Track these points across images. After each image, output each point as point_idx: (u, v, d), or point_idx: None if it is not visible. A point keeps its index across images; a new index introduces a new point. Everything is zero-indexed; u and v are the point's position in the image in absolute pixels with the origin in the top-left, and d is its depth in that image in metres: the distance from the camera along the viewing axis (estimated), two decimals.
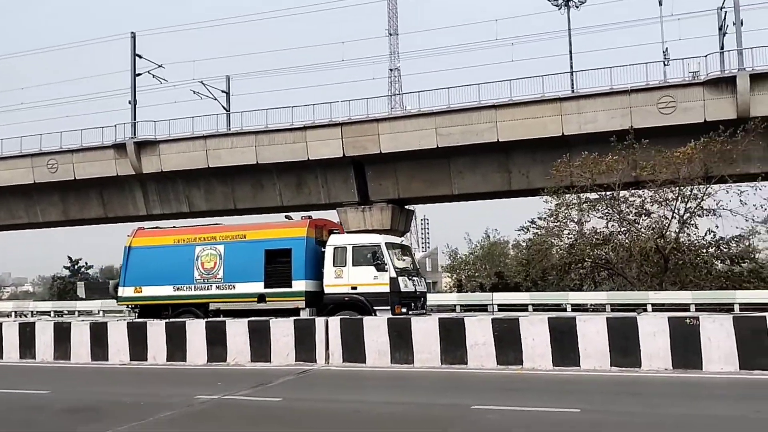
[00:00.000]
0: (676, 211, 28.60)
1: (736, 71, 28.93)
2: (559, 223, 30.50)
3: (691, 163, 27.49)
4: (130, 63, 40.60)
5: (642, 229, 29.20)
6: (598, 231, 29.77)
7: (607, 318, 12.97)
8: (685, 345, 11.99)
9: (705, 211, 28.72)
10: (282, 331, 14.57)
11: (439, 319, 13.91)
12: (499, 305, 28.63)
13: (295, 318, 14.94)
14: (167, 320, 16.39)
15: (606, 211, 29.74)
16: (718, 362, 11.08)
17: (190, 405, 10.09)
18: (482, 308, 29.09)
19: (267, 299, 18.40)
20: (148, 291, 19.92)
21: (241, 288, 18.94)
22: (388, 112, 36.91)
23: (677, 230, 28.91)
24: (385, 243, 18.19)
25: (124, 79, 43.96)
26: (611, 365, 12.32)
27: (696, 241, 29.65)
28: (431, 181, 34.79)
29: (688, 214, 28.71)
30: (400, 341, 13.67)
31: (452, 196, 35.67)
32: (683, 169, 27.55)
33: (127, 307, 20.51)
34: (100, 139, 39.75)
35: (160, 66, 41.33)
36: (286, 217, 21.05)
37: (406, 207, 37.63)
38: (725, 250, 29.78)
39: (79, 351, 16.19)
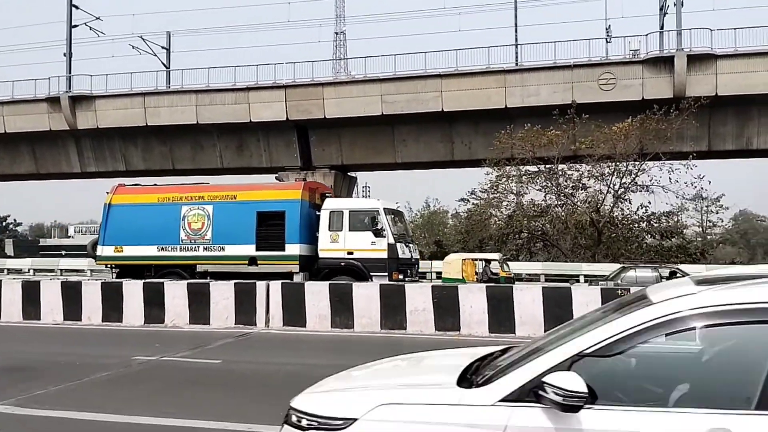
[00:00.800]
0: (611, 186, 29.34)
1: (674, 51, 29.73)
2: (498, 194, 31.01)
3: (628, 139, 28.08)
4: (66, 13, 39.28)
5: (578, 203, 29.88)
6: (536, 203, 30.33)
7: (543, 288, 13.36)
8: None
9: (638, 187, 29.50)
10: (222, 294, 14.45)
11: (381, 285, 14.07)
12: (437, 273, 28.70)
13: (235, 281, 14.96)
14: (104, 281, 16.11)
15: (544, 183, 30.30)
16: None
17: (128, 366, 9.98)
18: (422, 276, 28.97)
19: (259, 262, 18.04)
20: (130, 251, 19.35)
21: (231, 250, 18.56)
22: (333, 77, 36.56)
23: (612, 204, 29.73)
24: (384, 208, 18.00)
25: (59, 30, 42.84)
26: (545, 332, 12.16)
27: (629, 216, 30.62)
28: (375, 149, 34.64)
29: (623, 189, 29.50)
30: (341, 306, 13.72)
31: (395, 164, 35.55)
32: (620, 145, 28.11)
33: (106, 266, 19.98)
34: (33, 91, 38.26)
35: (97, 18, 39.95)
36: (277, 178, 21.10)
37: (349, 173, 37.59)
38: (656, 225, 30.89)
39: (10, 310, 15.75)
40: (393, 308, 13.44)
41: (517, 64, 31.77)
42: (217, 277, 16.89)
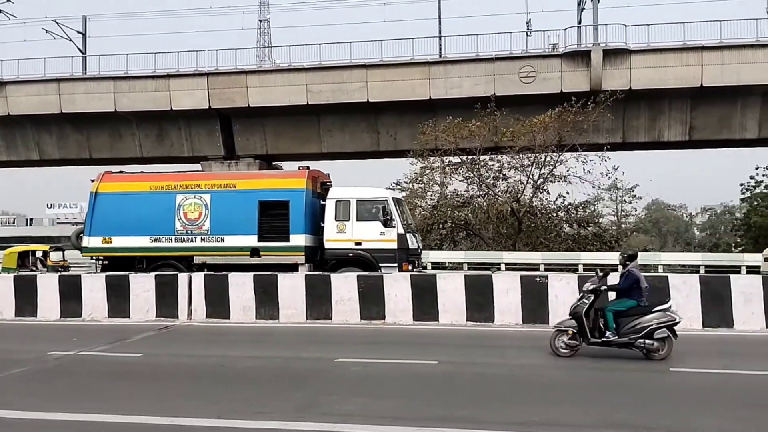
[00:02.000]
0: (531, 176, 29.84)
1: (591, 46, 30.58)
2: (423, 185, 31.16)
3: (547, 131, 28.65)
4: None
5: (499, 193, 30.37)
6: (459, 194, 30.72)
7: (465, 276, 13.62)
8: (535, 301, 12.74)
9: (557, 178, 30.11)
10: (142, 287, 14.17)
11: (306, 275, 14.09)
12: None
13: (156, 273, 14.73)
14: (16, 274, 15.61)
15: (467, 174, 30.59)
16: (564, 316, 11.32)
17: (44, 361, 9.67)
18: None
19: (262, 253, 17.36)
20: (120, 242, 18.34)
21: (231, 241, 17.80)
22: (257, 65, 36.27)
23: (531, 195, 30.24)
24: (392, 198, 17.51)
25: None
26: (467, 320, 13.00)
27: (547, 206, 31.27)
28: (300, 138, 34.38)
29: (542, 180, 30.06)
30: (266, 297, 13.67)
31: (321, 155, 35.22)
32: (539, 136, 28.64)
33: (92, 258, 18.83)
34: None
35: (8, 0, 38.83)
36: (273, 166, 20.51)
37: (274, 163, 36.77)
38: (573, 214, 31.65)
39: None
40: (318, 298, 13.47)
41: (440, 55, 32.07)
42: (217, 269, 16.56)
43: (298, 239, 17.42)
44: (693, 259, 31.40)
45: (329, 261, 17.29)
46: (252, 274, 14.28)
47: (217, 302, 13.80)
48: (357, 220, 17.44)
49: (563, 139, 28.83)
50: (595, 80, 29.84)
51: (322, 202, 17.81)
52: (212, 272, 15.34)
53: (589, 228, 32.00)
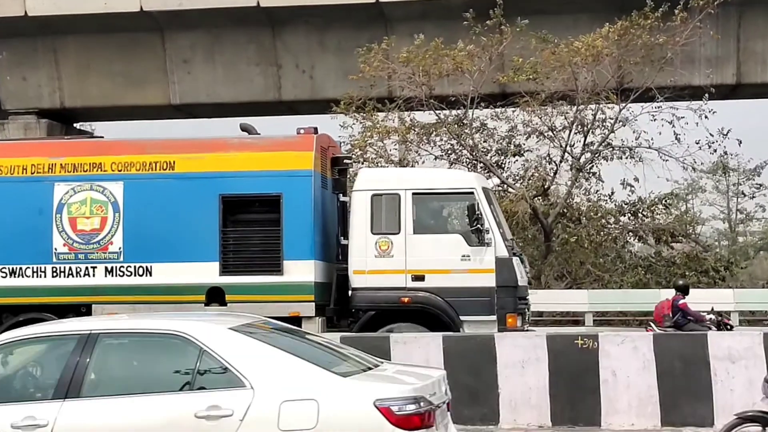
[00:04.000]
0: (568, 148, 26.45)
1: None
2: (366, 163, 27.07)
3: (599, 62, 24.78)
4: None
5: (509, 180, 27.67)
6: None
7: (444, 338, 12.27)
8: (575, 384, 11.39)
9: (616, 151, 26.42)
10: None
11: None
12: None
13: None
14: None
15: (449, 144, 27.08)
16: (629, 410, 10.74)
17: None
18: None
19: (228, 298, 14.69)
20: None
21: (166, 273, 14.94)
22: None
23: (570, 183, 27.12)
24: (482, 188, 15.42)
25: None
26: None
27: (599, 203, 27.86)
28: (128, 77, 30.19)
29: (589, 155, 26.54)
30: None
31: (169, 108, 31.11)
32: (583, 73, 24.96)
33: None
34: None
35: None
36: (244, 128, 16.70)
37: (77, 125, 33.21)
38: (648, 218, 27.87)
39: None
40: None
41: None
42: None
43: (302, 269, 14.80)
44: None
45: (360, 311, 14.90)
46: None
47: None
48: (415, 232, 14.80)
49: (628, 77, 25.63)
50: None
51: (342, 197, 15.86)
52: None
53: (678, 242, 29.05)
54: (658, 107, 25.80)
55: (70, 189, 15.58)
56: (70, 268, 15.49)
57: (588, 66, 25.39)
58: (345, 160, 16.90)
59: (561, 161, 27.16)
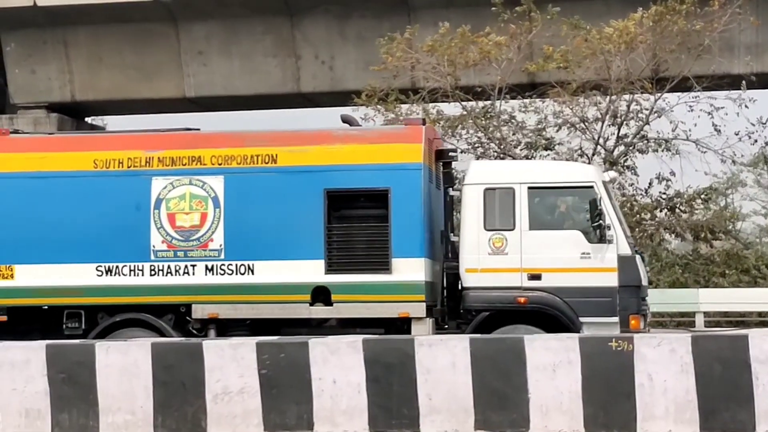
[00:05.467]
0: (601, 140, 25.87)
1: None
2: None
3: (632, 50, 24.27)
4: None
5: None
6: None
7: (471, 340, 11.81)
8: (609, 388, 10.90)
9: (651, 143, 26.02)
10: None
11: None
12: None
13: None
14: None
15: (475, 136, 26.22)
16: (663, 419, 10.41)
17: None
18: None
19: (334, 298, 14.37)
20: (29, 276, 14.93)
21: (269, 272, 14.58)
22: None
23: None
24: (602, 181, 15.12)
25: None
26: (476, 428, 11.25)
27: (633, 197, 27.05)
28: (141, 70, 29.91)
29: (623, 148, 26.16)
30: None
31: (184, 101, 30.64)
32: (617, 61, 24.40)
33: None
34: None
35: None
36: (345, 120, 16.50)
37: (88, 120, 32.78)
38: (686, 214, 26.86)
39: None
40: None
41: None
42: (239, 329, 14.42)
43: (411, 267, 14.40)
44: None
45: (472, 312, 14.52)
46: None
47: None
48: (530, 228, 14.36)
49: (664, 66, 25.13)
50: None
51: (451, 192, 15.51)
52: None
53: (717, 239, 28.23)
54: (696, 97, 25.10)
55: (169, 183, 15.17)
56: (169, 267, 15.12)
57: (621, 54, 24.70)
58: (450, 153, 16.28)
59: (593, 155, 26.49)
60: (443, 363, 11.56)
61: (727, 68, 25.31)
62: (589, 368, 11.27)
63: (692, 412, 10.80)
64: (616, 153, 26.37)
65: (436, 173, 15.99)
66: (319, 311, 14.88)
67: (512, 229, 14.56)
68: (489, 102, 26.41)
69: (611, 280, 14.28)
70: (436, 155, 15.84)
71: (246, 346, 12.03)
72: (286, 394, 11.86)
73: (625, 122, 26.28)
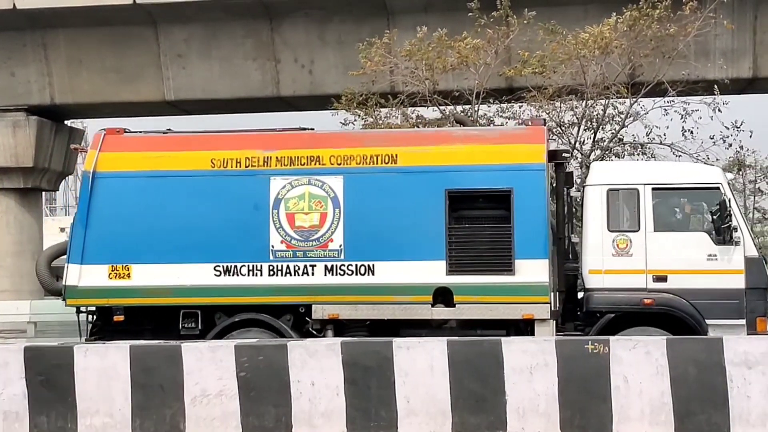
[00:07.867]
0: (577, 145, 26.18)
1: None
2: None
3: (609, 53, 24.59)
4: None
5: None
6: None
7: (448, 342, 12.00)
8: (584, 391, 11.11)
9: (627, 147, 26.46)
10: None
11: None
12: None
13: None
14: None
15: None
16: (639, 421, 10.58)
17: None
18: None
19: (456, 299, 14.42)
20: (148, 275, 14.97)
21: (389, 272, 14.69)
22: None
23: (579, 181, 25.96)
24: (728, 181, 15.39)
25: None
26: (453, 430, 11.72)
27: None
28: (121, 73, 30.24)
29: (599, 151, 26.41)
30: None
31: (164, 104, 31.19)
32: (593, 66, 24.70)
33: (78, 308, 15.33)
34: None
35: None
36: (458, 120, 18.48)
37: (68, 123, 33.35)
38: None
39: None
40: None
41: None
42: (357, 328, 14.60)
43: (535, 269, 14.44)
44: None
45: (597, 314, 14.67)
46: None
47: None
48: (656, 229, 14.50)
49: (639, 70, 25.62)
50: None
51: (573, 192, 16.08)
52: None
53: None
54: (671, 101, 25.36)
55: (287, 183, 15.23)
56: (288, 267, 15.13)
57: (597, 59, 24.97)
58: (563, 154, 16.52)
59: (570, 158, 26.42)
60: (421, 366, 11.75)
61: (703, 73, 25.56)
62: (566, 371, 11.51)
63: (667, 415, 11.01)
64: (592, 157, 26.59)
65: (552, 173, 16.25)
66: (441, 312, 14.85)
67: (637, 231, 14.63)
68: (467, 106, 26.57)
69: (738, 282, 14.29)
70: (549, 156, 15.86)
71: (224, 349, 12.26)
72: (264, 397, 12.00)
73: (601, 126, 26.57)
